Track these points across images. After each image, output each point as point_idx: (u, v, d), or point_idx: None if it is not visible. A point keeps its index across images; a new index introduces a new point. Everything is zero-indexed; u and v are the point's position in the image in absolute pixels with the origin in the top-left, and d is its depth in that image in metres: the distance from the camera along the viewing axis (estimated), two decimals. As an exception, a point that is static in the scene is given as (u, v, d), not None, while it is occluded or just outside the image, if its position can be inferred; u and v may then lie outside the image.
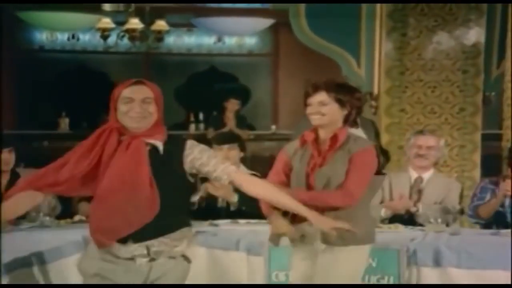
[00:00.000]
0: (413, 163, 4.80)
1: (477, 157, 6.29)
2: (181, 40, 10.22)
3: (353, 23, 6.45)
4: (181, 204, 3.10)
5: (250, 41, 10.32)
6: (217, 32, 9.84)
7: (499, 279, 3.71)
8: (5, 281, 3.44)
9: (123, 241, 3.00)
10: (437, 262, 3.83)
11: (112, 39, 8.39)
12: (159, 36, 8.55)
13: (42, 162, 5.25)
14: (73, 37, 9.93)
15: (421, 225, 4.50)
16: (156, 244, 3.02)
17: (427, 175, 4.80)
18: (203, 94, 9.90)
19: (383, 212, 4.67)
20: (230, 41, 10.30)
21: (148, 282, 3.06)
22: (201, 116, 9.70)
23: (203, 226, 4.50)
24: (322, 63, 7.39)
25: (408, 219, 4.64)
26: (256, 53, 10.36)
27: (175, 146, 3.06)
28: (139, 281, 3.05)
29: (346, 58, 6.48)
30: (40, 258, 3.78)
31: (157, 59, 10.15)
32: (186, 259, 3.11)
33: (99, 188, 3.00)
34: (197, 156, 3.04)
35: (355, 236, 3.25)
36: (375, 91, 6.48)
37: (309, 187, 3.38)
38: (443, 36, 6.35)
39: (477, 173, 6.25)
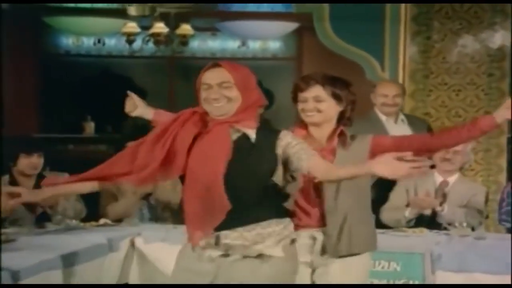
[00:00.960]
0: (439, 167, 4.79)
1: (502, 161, 6.25)
2: (205, 44, 10.25)
3: (377, 26, 6.44)
4: (269, 194, 2.84)
5: (274, 45, 10.32)
6: (241, 36, 9.85)
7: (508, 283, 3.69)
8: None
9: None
10: (462, 266, 3.81)
11: (137, 43, 8.43)
12: (184, 40, 8.58)
13: (67, 166, 5.33)
14: (98, 41, 10.00)
15: (446, 229, 4.48)
16: (232, 236, 2.81)
17: (452, 179, 4.78)
18: (227, 98, 9.94)
19: (408, 212, 4.65)
20: (254, 45, 10.31)
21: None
22: (224, 119, 9.73)
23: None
24: (346, 67, 7.35)
25: (433, 222, 4.62)
26: (280, 57, 10.36)
27: (268, 135, 2.86)
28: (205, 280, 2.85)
29: (370, 61, 6.46)
30: (65, 261, 3.81)
31: (182, 63, 10.19)
32: (263, 258, 2.82)
33: (187, 177, 2.83)
34: (288, 141, 2.83)
35: (354, 244, 3.13)
36: (400, 94, 6.45)
37: (316, 189, 3.18)
38: (468, 39, 6.32)
39: (502, 177, 6.20)
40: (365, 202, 3.29)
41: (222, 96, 2.82)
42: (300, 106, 3.27)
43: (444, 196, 4.73)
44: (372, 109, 5.38)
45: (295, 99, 3.30)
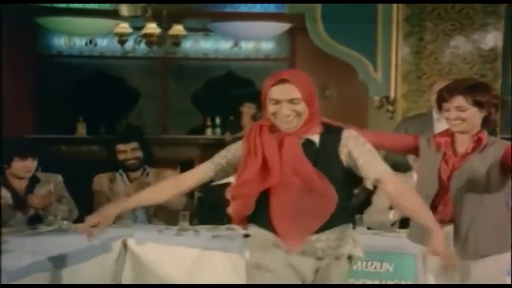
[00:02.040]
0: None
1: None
2: (198, 45, 10.23)
3: (370, 27, 6.44)
4: (342, 199, 2.90)
5: (267, 46, 10.32)
6: (234, 37, 9.84)
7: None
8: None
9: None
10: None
11: (129, 44, 8.42)
12: (176, 40, 8.57)
13: (59, 166, 5.31)
14: (90, 42, 9.97)
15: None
16: (322, 239, 2.89)
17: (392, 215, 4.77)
18: (220, 99, 9.92)
19: (392, 215, 4.64)
20: (247, 46, 10.30)
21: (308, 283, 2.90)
22: (217, 120, 9.72)
23: (220, 230, 4.51)
24: (339, 68, 7.39)
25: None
26: (273, 57, 10.35)
27: (331, 138, 2.91)
28: (298, 279, 2.90)
29: (363, 62, 6.46)
30: (57, 262, 3.80)
31: (174, 64, 10.18)
32: (350, 260, 2.98)
33: (271, 189, 2.85)
34: (350, 149, 2.88)
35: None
36: (392, 95, 6.46)
37: (443, 189, 3.29)
38: (460, 41, 6.33)
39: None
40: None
41: (293, 111, 2.85)
42: (445, 115, 3.35)
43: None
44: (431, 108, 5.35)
45: (440, 107, 3.38)
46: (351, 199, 2.97)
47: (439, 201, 3.31)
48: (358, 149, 2.88)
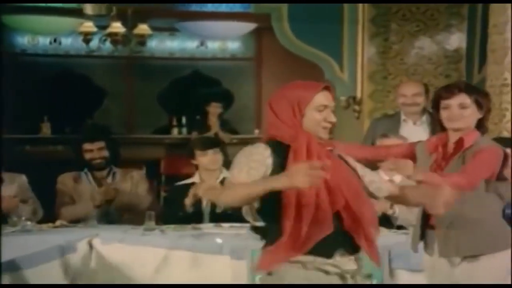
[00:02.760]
0: (383, 166, 4.80)
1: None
2: (163, 44, 10.19)
3: (336, 28, 6.48)
4: None
5: (233, 45, 10.31)
6: (200, 36, 9.82)
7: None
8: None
9: (327, 254, 2.70)
10: (420, 265, 3.84)
11: (94, 43, 8.35)
12: (142, 40, 8.52)
13: (23, 166, 5.25)
14: (55, 41, 9.87)
15: (404, 228, 4.51)
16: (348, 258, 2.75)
17: (397, 178, 4.80)
18: (186, 98, 9.88)
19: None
20: (213, 45, 10.28)
21: None
22: (184, 120, 9.69)
23: (185, 229, 4.50)
24: (305, 68, 7.41)
25: (389, 222, 4.64)
26: (239, 57, 10.35)
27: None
28: None
29: (329, 62, 6.50)
30: (22, 263, 3.76)
31: (140, 63, 10.12)
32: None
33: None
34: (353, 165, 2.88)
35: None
36: (358, 95, 6.51)
37: None
38: (425, 41, 6.40)
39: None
40: None
41: (333, 120, 2.78)
42: (443, 113, 3.37)
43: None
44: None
45: (436, 107, 3.40)
46: None
47: None
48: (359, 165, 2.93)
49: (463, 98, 3.32)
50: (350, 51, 6.48)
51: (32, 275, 3.80)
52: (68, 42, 9.90)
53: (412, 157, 3.49)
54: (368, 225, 2.75)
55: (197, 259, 4.13)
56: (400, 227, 4.59)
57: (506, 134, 5.24)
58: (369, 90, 6.36)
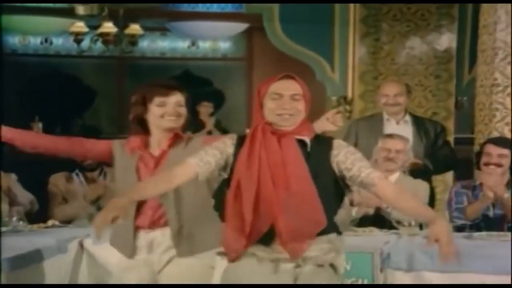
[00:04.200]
0: (380, 166, 4.82)
1: (449, 161, 6.34)
2: (155, 44, 10.19)
3: (327, 28, 6.49)
4: (331, 207, 2.87)
5: (224, 46, 10.32)
6: (191, 36, 9.83)
7: (471, 282, 3.74)
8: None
9: (267, 242, 2.80)
10: (411, 265, 3.86)
11: (85, 43, 8.35)
12: (133, 40, 8.52)
13: (15, 166, 5.24)
14: (46, 41, 9.86)
15: (394, 228, 4.53)
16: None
17: (393, 177, 4.81)
18: (177, 98, 9.89)
19: (355, 212, 4.68)
20: (204, 45, 10.29)
21: None
22: (175, 120, 9.68)
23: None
24: (296, 68, 7.40)
25: (380, 221, 4.65)
26: (230, 57, 10.36)
27: (322, 145, 2.87)
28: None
29: (320, 63, 6.51)
30: (12, 264, 3.75)
31: (131, 63, 10.12)
32: (334, 269, 2.89)
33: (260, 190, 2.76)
34: (341, 159, 2.84)
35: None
36: (349, 95, 6.52)
37: None
38: (415, 42, 6.42)
39: (449, 176, 6.30)
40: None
41: (293, 108, 2.83)
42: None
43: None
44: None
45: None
46: (338, 209, 2.95)
47: (147, 205, 3.21)
48: (351, 158, 2.86)
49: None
50: (341, 51, 6.50)
51: (22, 276, 3.79)
52: (59, 42, 9.89)
53: (108, 156, 3.34)
54: (305, 222, 2.75)
55: (188, 259, 4.12)
56: (391, 227, 4.60)
57: (496, 134, 5.26)
58: (360, 90, 6.38)
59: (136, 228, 3.22)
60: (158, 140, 3.26)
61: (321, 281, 2.83)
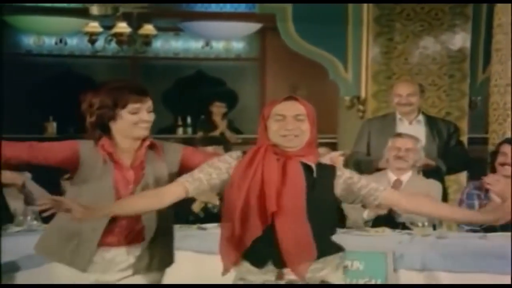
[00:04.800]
0: (392, 165, 4.81)
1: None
2: (168, 44, 10.22)
3: (340, 28, 6.48)
4: (330, 230, 2.89)
5: (238, 46, 10.33)
6: (204, 37, 9.85)
7: (485, 282, 3.73)
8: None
9: (261, 263, 2.81)
10: (424, 265, 3.85)
11: (99, 43, 8.38)
12: (147, 40, 8.55)
13: (28, 166, 5.26)
14: (60, 41, 9.91)
15: (407, 228, 4.52)
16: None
17: (405, 177, 4.80)
18: (191, 98, 9.91)
19: (366, 214, 4.67)
20: (218, 46, 10.30)
21: None
22: (189, 120, 9.70)
23: (191, 229, 4.51)
24: (309, 68, 7.42)
25: (393, 222, 4.65)
26: (243, 57, 10.37)
27: (326, 170, 2.87)
28: None
29: (333, 62, 6.50)
30: (27, 263, 3.77)
31: (145, 63, 10.15)
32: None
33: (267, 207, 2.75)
34: (347, 176, 2.85)
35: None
36: (363, 95, 6.51)
37: None
38: (429, 41, 6.39)
39: (463, 177, 6.28)
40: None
41: (297, 128, 2.81)
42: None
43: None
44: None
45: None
46: (336, 230, 2.94)
47: (119, 222, 3.02)
48: (356, 175, 2.90)
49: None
50: (355, 51, 6.48)
51: (36, 275, 3.81)
52: (74, 43, 9.93)
53: (74, 159, 3.05)
54: (297, 246, 2.75)
55: (202, 259, 4.14)
56: (404, 227, 4.60)
57: (510, 134, 5.24)
58: (373, 90, 6.37)
59: (101, 244, 3.00)
60: (126, 148, 3.07)
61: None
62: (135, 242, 3.05)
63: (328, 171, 2.87)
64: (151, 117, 3.10)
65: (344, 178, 2.86)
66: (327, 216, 2.85)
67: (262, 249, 2.78)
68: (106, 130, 3.08)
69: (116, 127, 3.06)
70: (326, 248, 2.84)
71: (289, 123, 2.80)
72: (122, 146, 3.07)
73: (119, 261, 3.05)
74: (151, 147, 3.10)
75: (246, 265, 2.83)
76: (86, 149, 3.07)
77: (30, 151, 3.04)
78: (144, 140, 3.09)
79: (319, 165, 2.87)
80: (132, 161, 3.06)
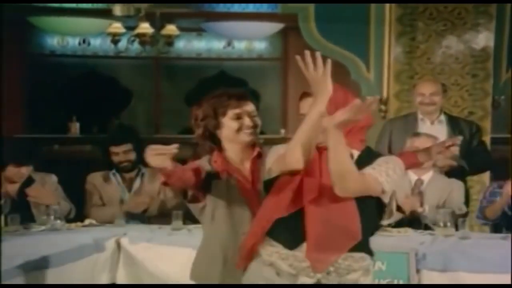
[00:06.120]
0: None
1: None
2: (191, 45, 10.25)
3: (362, 27, 6.46)
4: (369, 226, 2.74)
5: (260, 46, 10.34)
6: (227, 37, 9.86)
7: (508, 283, 3.71)
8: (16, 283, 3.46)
9: (292, 245, 2.67)
10: (446, 266, 3.84)
11: (122, 43, 8.43)
12: (169, 40, 8.58)
13: (52, 166, 5.31)
14: (83, 41, 9.98)
15: (430, 229, 4.51)
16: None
17: (426, 176, 4.79)
18: (213, 98, 9.93)
19: (386, 220, 4.65)
20: (240, 46, 10.31)
21: None
22: (211, 120, 9.72)
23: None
24: (332, 68, 7.38)
25: (415, 222, 4.63)
26: (265, 57, 10.37)
27: (369, 158, 2.74)
28: None
29: (355, 62, 6.48)
30: (51, 261, 3.81)
31: (167, 63, 10.18)
32: None
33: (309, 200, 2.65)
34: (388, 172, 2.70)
35: None
36: (385, 95, 6.49)
37: None
38: (452, 40, 6.36)
39: (486, 177, 6.24)
40: None
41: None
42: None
43: (420, 194, 4.73)
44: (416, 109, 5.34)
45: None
46: (374, 231, 2.82)
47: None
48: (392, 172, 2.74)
49: None
50: (377, 51, 6.46)
51: (59, 274, 3.85)
52: (97, 43, 9.99)
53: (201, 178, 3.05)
54: (338, 232, 2.64)
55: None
56: (426, 228, 4.58)
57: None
58: (395, 90, 6.34)
59: None
60: (238, 156, 3.05)
61: None
62: None
63: (371, 158, 2.74)
64: (255, 122, 3.08)
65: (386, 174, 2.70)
66: (366, 208, 2.71)
67: (294, 230, 2.67)
68: (216, 142, 3.08)
69: (223, 135, 3.06)
70: (363, 243, 2.71)
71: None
72: (233, 158, 3.05)
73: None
74: (259, 156, 3.05)
75: (277, 247, 2.70)
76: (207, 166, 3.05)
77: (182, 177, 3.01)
78: (253, 148, 3.06)
79: (364, 154, 2.76)
80: (248, 172, 3.03)
